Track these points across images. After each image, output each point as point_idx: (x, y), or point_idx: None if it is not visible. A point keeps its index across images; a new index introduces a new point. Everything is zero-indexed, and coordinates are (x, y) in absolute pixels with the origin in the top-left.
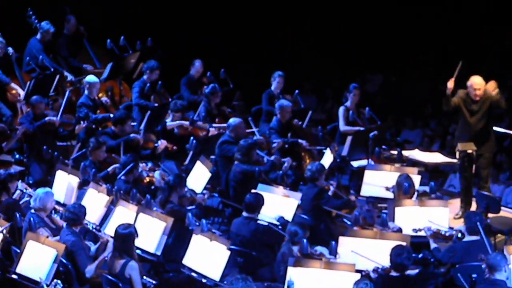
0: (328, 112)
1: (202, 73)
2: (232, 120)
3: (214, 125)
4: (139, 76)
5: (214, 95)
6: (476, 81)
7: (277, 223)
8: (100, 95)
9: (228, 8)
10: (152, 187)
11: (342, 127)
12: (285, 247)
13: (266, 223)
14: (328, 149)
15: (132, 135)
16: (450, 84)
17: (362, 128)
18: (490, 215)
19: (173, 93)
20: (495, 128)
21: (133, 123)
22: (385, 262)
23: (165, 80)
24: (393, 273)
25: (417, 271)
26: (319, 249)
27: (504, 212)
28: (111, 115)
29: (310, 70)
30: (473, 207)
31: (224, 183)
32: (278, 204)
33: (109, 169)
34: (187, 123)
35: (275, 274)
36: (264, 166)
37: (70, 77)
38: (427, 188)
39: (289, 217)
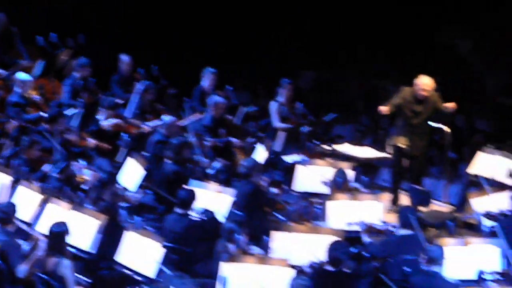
0: (261, 107)
1: (133, 70)
2: (165, 118)
3: (147, 122)
4: (70, 73)
5: (146, 91)
6: (424, 81)
7: (198, 216)
8: (31, 92)
9: (155, 2)
10: (85, 185)
11: (276, 123)
12: (221, 245)
13: (199, 219)
14: (261, 144)
15: (65, 134)
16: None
17: (292, 126)
18: (422, 209)
19: (105, 90)
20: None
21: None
22: (319, 257)
23: (97, 77)
24: (329, 268)
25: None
26: (255, 249)
27: (436, 206)
28: (43, 114)
29: (242, 66)
30: (405, 201)
31: (156, 180)
32: (212, 200)
33: (43, 168)
34: (120, 122)
35: (210, 270)
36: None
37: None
38: (358, 185)
39: (223, 213)
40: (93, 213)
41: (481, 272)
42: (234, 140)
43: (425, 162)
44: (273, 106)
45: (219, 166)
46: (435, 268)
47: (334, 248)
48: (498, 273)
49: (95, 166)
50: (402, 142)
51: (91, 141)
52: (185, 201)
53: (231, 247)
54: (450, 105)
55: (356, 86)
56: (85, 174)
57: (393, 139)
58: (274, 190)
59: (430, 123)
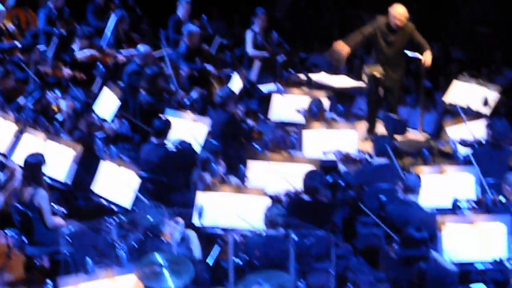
0: (236, 36)
1: None
2: (141, 48)
3: (122, 51)
4: (45, 3)
5: (122, 21)
6: (398, 11)
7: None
8: (5, 22)
9: None
10: (60, 115)
11: (250, 51)
12: (196, 173)
13: (173, 147)
14: (236, 74)
15: (40, 65)
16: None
17: (268, 54)
18: (397, 137)
19: (80, 20)
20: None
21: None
22: (295, 185)
23: (71, 6)
24: (305, 197)
25: (328, 195)
26: (231, 178)
27: (411, 135)
28: (18, 43)
29: None
30: (381, 129)
31: (132, 110)
32: (188, 130)
33: (18, 100)
34: (95, 52)
35: (187, 200)
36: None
37: None
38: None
39: (199, 142)
40: (68, 143)
41: (456, 200)
42: (209, 67)
43: (400, 91)
44: (248, 35)
45: (195, 96)
46: (411, 197)
47: (310, 177)
48: (473, 200)
49: (70, 96)
50: (377, 71)
51: (66, 71)
52: (161, 131)
53: (207, 176)
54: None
55: (331, 15)
56: (60, 104)
57: (369, 68)
58: (250, 119)
59: (406, 52)
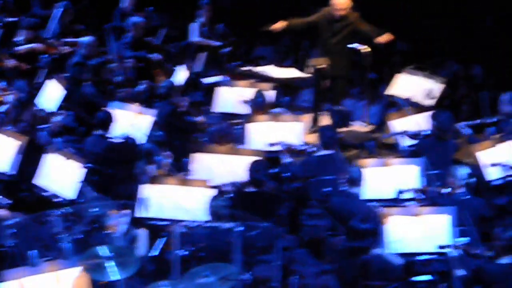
0: (182, 28)
1: None
2: (85, 38)
3: (66, 40)
4: None
5: (67, 12)
6: (339, 1)
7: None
8: None
9: None
10: (3, 106)
11: (194, 38)
12: (140, 164)
13: (118, 140)
14: (181, 65)
15: None
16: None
17: (216, 42)
18: (342, 129)
19: (25, 10)
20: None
21: None
22: (240, 177)
23: None
24: (250, 189)
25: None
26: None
27: (356, 126)
28: None
29: None
30: (325, 121)
31: (76, 102)
32: (133, 121)
33: None
34: (37, 45)
35: (131, 191)
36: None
37: None
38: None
39: (144, 134)
40: (12, 134)
41: (401, 192)
42: (156, 56)
43: (345, 82)
44: (192, 27)
45: (140, 87)
46: (354, 189)
47: (254, 168)
48: (416, 190)
49: (14, 87)
50: (322, 63)
51: (10, 62)
52: (104, 123)
53: (151, 168)
54: (384, 38)
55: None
56: (5, 95)
57: (314, 60)
58: (195, 111)
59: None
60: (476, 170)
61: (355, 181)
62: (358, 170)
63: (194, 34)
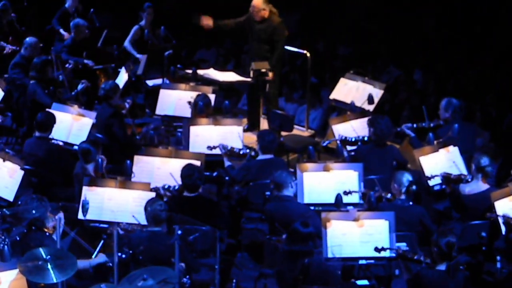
0: (124, 30)
1: None
2: (27, 39)
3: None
4: None
5: (5, 12)
6: (254, 2)
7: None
8: None
9: None
10: None
11: (126, 42)
12: (79, 166)
13: (60, 143)
14: (123, 67)
15: None
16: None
17: (136, 54)
18: (283, 133)
19: None
20: (287, 47)
21: None
22: (176, 181)
23: None
24: (187, 193)
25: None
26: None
27: (297, 131)
28: None
29: None
30: (266, 125)
31: (15, 102)
32: (73, 123)
33: None
34: None
35: (71, 193)
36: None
37: None
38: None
39: (84, 136)
40: None
41: (340, 197)
42: (90, 62)
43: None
44: (133, 30)
45: (81, 89)
46: (285, 192)
47: (186, 174)
48: (357, 197)
49: None
50: (264, 67)
51: None
52: (44, 124)
53: (90, 167)
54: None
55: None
56: None
57: (255, 64)
58: (136, 113)
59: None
60: (418, 175)
61: (281, 185)
62: (280, 173)
63: (128, 39)
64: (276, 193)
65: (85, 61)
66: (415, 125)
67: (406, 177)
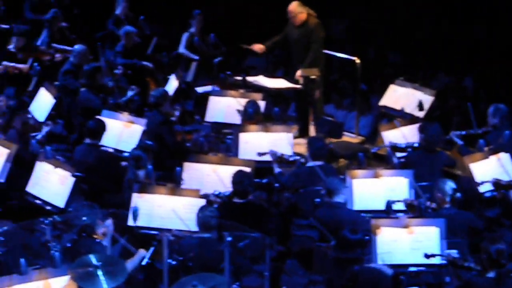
0: (173, 38)
1: None
2: (76, 47)
3: (57, 46)
4: None
5: (56, 20)
6: (289, 8)
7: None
8: None
9: None
10: None
11: (180, 49)
12: (130, 173)
13: (110, 150)
14: (173, 75)
15: None
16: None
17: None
18: (333, 140)
19: (17, 18)
20: (336, 54)
21: None
22: (226, 187)
23: (7, 4)
24: (237, 200)
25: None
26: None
27: (347, 137)
28: None
29: None
30: (315, 132)
31: (66, 109)
32: (123, 130)
33: None
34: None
35: (121, 201)
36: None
37: None
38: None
39: (134, 143)
40: (2, 142)
41: (390, 204)
42: (147, 64)
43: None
44: (184, 37)
45: (131, 95)
46: (336, 199)
47: (238, 181)
48: (406, 202)
49: (5, 94)
50: (313, 73)
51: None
52: (95, 131)
53: (141, 173)
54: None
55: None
56: None
57: (304, 71)
58: (186, 120)
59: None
60: (468, 182)
61: (333, 191)
62: (332, 180)
63: (182, 45)
64: (327, 200)
65: (144, 62)
66: (463, 132)
67: (449, 185)
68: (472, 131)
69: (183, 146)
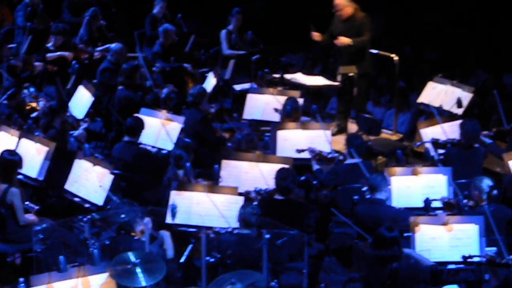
0: (211, 35)
1: None
2: (113, 45)
3: (97, 48)
4: (20, 0)
5: (95, 18)
6: (336, 1)
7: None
8: None
9: None
10: (35, 113)
11: (225, 51)
12: (171, 172)
13: (148, 147)
14: (210, 72)
15: (12, 60)
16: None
17: (244, 52)
18: (371, 137)
19: (55, 16)
20: (373, 50)
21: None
22: (268, 184)
23: (46, 3)
24: (278, 196)
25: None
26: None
27: (385, 134)
28: None
29: None
30: (354, 129)
31: (105, 107)
32: (161, 128)
33: None
34: (67, 53)
35: (160, 198)
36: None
37: None
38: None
39: (172, 140)
40: (42, 140)
41: (429, 201)
42: (185, 65)
43: (366, 88)
44: (222, 34)
45: (169, 93)
46: (378, 196)
47: (282, 177)
48: (443, 201)
49: (44, 93)
50: (351, 71)
51: (38, 64)
52: (133, 129)
53: (181, 173)
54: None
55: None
56: (35, 101)
57: (343, 68)
58: (223, 118)
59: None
60: (508, 179)
61: (375, 187)
62: (377, 176)
63: (224, 46)
64: (368, 196)
65: (185, 64)
66: (491, 133)
67: (486, 183)
68: (503, 128)
69: (225, 140)
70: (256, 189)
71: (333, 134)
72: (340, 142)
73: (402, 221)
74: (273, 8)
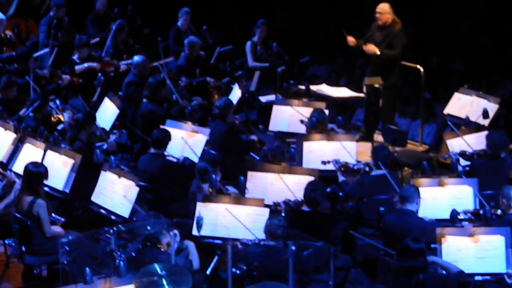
0: (236, 47)
1: (107, 8)
2: (136, 57)
3: (122, 62)
4: (45, 13)
5: (121, 31)
6: (379, 6)
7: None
8: (6, 31)
9: None
10: (61, 125)
11: (251, 63)
12: (195, 185)
13: (174, 160)
14: (236, 84)
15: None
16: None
17: (269, 64)
18: (397, 148)
19: (80, 30)
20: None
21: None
22: (295, 196)
23: (71, 16)
24: (305, 208)
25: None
26: (230, 189)
27: (411, 146)
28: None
29: (217, 5)
30: (380, 140)
31: (130, 119)
32: (187, 140)
33: (21, 112)
34: (94, 64)
35: (186, 210)
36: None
37: None
38: (334, 125)
39: (197, 153)
40: (68, 152)
41: (455, 212)
42: (209, 79)
43: (394, 100)
44: (248, 46)
45: (195, 106)
46: (408, 207)
47: (311, 189)
48: (470, 212)
49: (70, 105)
50: (377, 82)
51: (65, 77)
52: (159, 141)
53: (205, 186)
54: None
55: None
56: (61, 113)
57: (369, 79)
58: (249, 130)
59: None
60: None
61: (407, 198)
62: (409, 188)
63: (249, 58)
64: (399, 206)
65: (207, 78)
66: None
67: None
68: None
69: (254, 143)
70: (285, 200)
71: (357, 140)
72: (366, 154)
73: (431, 233)
74: (298, 20)
